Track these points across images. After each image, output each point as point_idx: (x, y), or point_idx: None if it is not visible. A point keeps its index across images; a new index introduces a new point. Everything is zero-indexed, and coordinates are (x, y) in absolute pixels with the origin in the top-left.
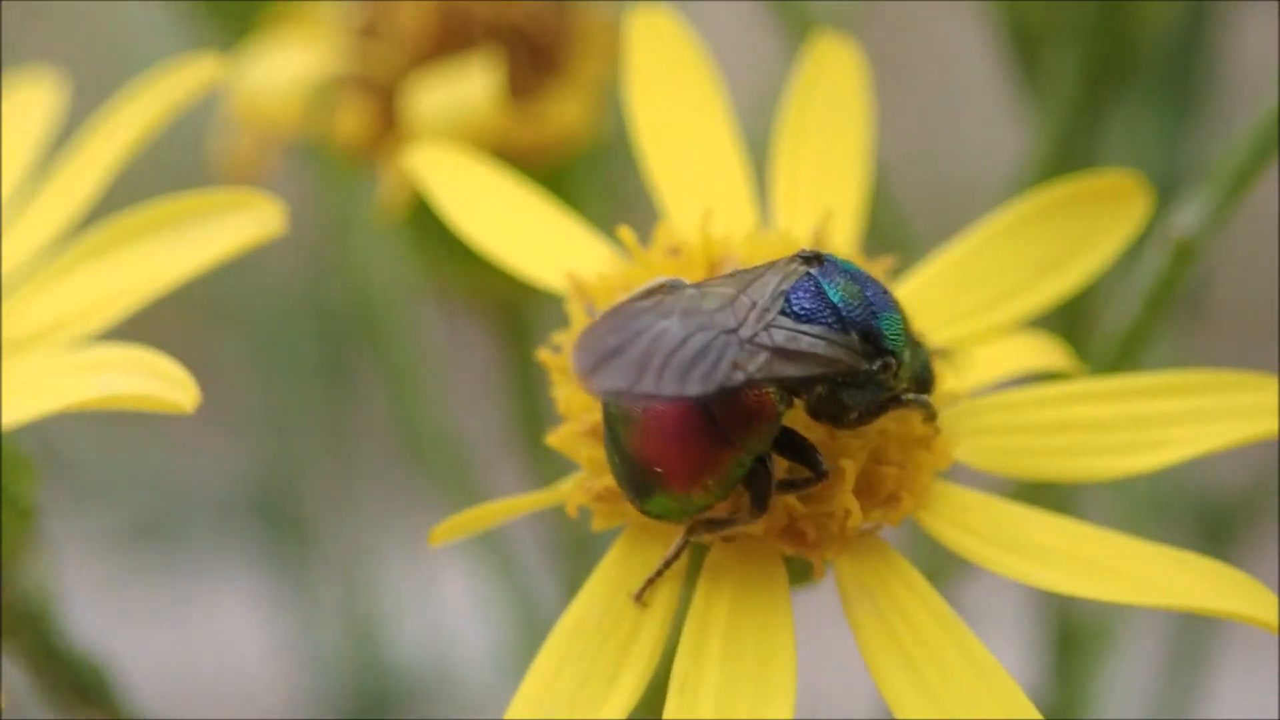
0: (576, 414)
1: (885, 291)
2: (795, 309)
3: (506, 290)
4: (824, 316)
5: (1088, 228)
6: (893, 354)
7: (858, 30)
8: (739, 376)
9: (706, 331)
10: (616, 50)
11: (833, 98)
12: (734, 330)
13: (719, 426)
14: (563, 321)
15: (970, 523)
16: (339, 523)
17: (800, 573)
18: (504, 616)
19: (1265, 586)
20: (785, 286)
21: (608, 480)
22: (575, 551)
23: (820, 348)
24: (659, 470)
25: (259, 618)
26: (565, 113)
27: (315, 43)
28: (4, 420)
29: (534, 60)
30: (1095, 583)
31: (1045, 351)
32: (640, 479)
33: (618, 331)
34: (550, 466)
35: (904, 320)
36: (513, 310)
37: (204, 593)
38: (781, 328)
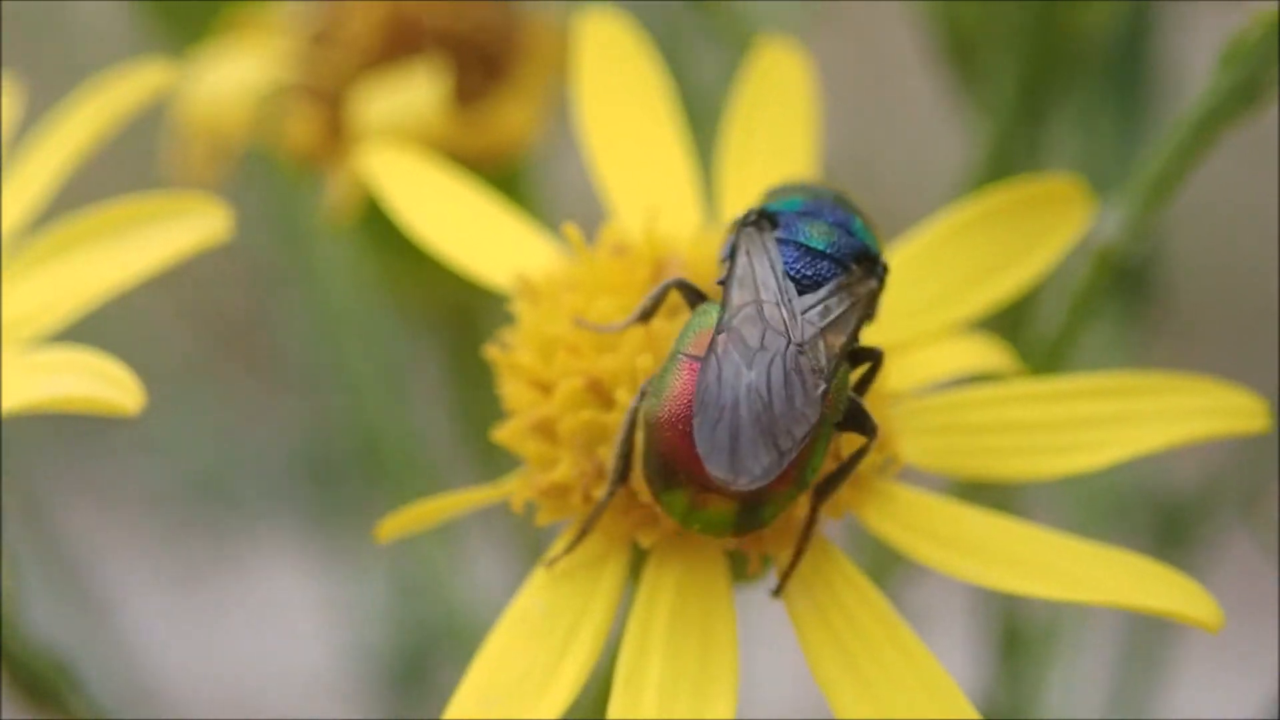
0: (523, 409)
1: (834, 198)
2: (800, 279)
3: (457, 294)
4: (826, 270)
5: (1030, 232)
6: (880, 255)
7: (804, 36)
8: (823, 377)
9: (770, 355)
10: (564, 57)
11: (780, 103)
12: (787, 338)
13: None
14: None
15: (912, 520)
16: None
17: (742, 568)
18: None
19: (1202, 587)
20: (780, 266)
21: (553, 475)
22: None
23: (846, 300)
24: None
25: (305, 575)
26: (513, 119)
27: (266, 50)
28: None
29: (482, 67)
30: (1035, 581)
31: (985, 352)
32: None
33: (716, 419)
34: (504, 471)
35: (861, 212)
36: (464, 314)
37: (252, 548)
38: (810, 307)
